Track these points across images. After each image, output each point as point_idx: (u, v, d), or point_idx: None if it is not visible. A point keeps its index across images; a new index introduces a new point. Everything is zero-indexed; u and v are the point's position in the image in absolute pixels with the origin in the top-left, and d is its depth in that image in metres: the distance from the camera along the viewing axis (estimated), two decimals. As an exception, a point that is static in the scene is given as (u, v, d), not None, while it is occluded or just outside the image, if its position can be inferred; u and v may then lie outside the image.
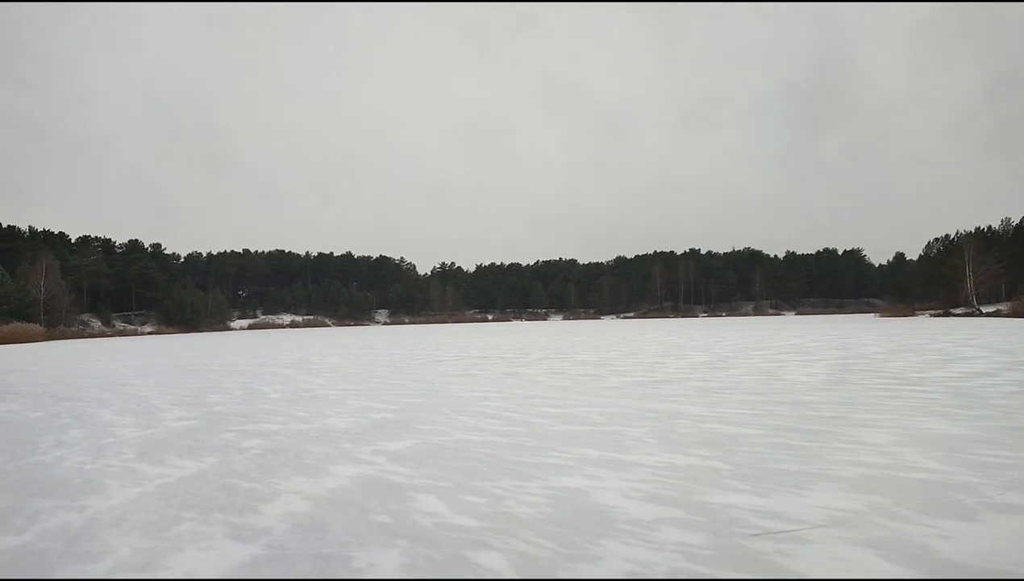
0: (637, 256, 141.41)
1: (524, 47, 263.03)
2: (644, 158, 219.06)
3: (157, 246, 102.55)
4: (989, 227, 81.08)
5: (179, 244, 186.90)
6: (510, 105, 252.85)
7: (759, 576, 2.73)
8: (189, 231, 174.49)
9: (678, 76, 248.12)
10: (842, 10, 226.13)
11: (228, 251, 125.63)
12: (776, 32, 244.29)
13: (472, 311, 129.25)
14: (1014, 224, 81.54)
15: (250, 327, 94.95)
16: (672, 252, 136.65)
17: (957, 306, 63.44)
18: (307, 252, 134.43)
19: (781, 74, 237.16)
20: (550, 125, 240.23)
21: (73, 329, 64.97)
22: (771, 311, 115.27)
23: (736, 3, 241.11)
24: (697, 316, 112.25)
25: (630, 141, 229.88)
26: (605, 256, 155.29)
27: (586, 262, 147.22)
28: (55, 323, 61.16)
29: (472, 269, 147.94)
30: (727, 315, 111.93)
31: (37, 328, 53.64)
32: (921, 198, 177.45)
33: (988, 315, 52.96)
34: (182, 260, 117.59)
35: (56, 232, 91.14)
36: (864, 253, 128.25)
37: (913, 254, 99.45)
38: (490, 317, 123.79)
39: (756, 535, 3.20)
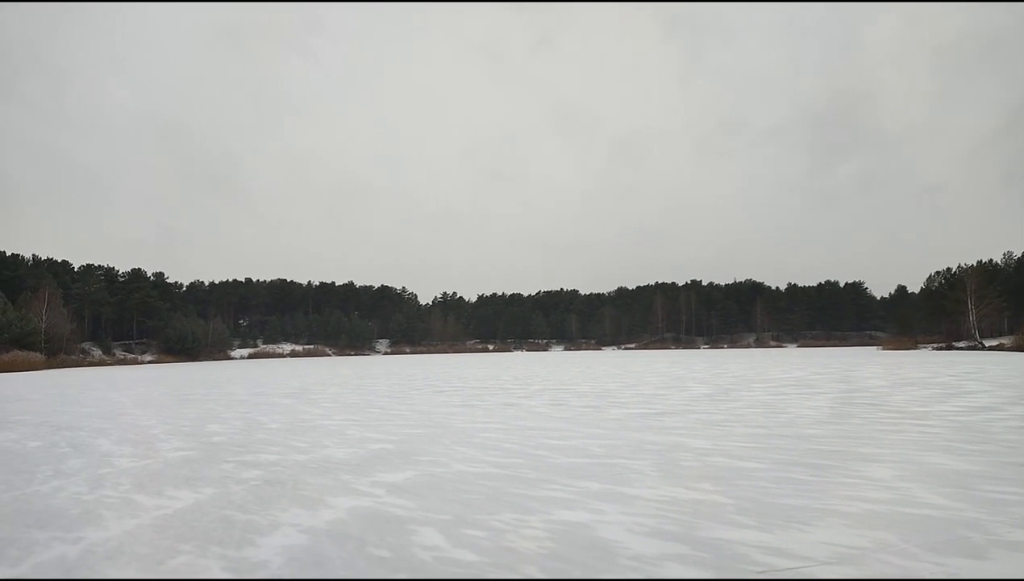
0: (639, 287, 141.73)
1: (538, 70, 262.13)
2: (655, 187, 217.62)
3: (160, 275, 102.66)
4: (991, 260, 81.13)
5: (182, 272, 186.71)
6: (521, 129, 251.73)
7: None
8: (193, 259, 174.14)
9: (694, 102, 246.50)
10: (862, 34, 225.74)
11: (230, 280, 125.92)
12: (794, 57, 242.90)
13: (473, 341, 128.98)
14: (1016, 257, 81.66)
15: (250, 356, 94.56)
16: (673, 283, 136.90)
17: (959, 339, 63.27)
18: (309, 281, 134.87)
19: (798, 100, 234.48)
20: (561, 151, 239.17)
21: (74, 358, 64.86)
22: (773, 343, 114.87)
23: (753, 26, 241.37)
24: (698, 347, 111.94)
25: (642, 169, 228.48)
26: (607, 287, 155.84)
27: (587, 293, 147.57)
28: (56, 352, 61.07)
29: (474, 299, 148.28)
30: (728, 347, 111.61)
31: (38, 356, 53.63)
32: (933, 229, 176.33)
33: (991, 349, 52.81)
34: (184, 289, 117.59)
35: (59, 260, 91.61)
36: (866, 286, 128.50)
37: (915, 287, 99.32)
38: (491, 347, 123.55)
39: (761, 573, 3.16)
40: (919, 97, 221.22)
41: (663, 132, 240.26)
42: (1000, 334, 65.35)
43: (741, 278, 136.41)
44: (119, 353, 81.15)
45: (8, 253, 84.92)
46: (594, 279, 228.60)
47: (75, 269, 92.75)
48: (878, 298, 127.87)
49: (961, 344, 60.41)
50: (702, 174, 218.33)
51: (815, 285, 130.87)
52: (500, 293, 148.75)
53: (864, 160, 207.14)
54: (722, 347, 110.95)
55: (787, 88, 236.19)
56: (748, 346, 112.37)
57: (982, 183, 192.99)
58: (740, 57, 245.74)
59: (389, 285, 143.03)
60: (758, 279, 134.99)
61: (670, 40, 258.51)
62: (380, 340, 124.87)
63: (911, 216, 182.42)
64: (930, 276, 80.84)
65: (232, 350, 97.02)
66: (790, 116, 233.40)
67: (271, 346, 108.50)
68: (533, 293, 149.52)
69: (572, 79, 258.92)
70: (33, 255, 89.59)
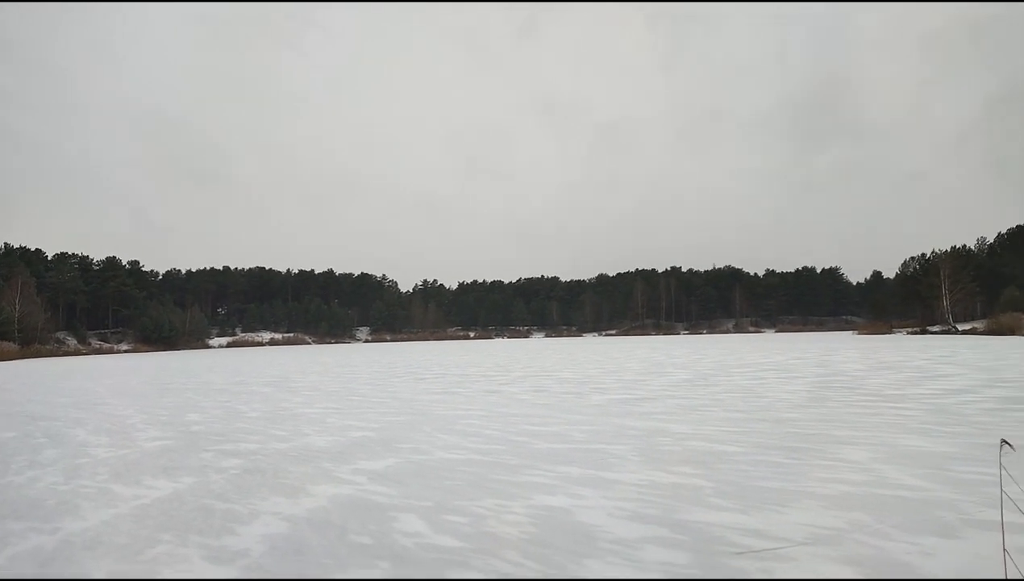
0: (619, 274, 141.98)
1: (522, 58, 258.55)
2: (638, 174, 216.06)
3: (135, 263, 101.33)
4: (964, 246, 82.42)
5: (159, 260, 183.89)
6: (505, 118, 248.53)
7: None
8: (171, 248, 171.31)
9: (678, 90, 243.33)
10: (849, 22, 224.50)
11: (208, 268, 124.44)
12: (780, 44, 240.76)
13: (454, 328, 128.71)
14: (988, 243, 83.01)
15: (229, 345, 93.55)
16: (654, 270, 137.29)
17: (933, 324, 64.20)
18: (288, 269, 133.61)
19: (783, 87, 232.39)
20: (545, 139, 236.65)
21: (48, 347, 63.87)
22: (751, 328, 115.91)
23: (740, 14, 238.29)
24: (678, 333, 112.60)
25: (626, 157, 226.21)
26: (588, 273, 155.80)
27: (568, 279, 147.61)
28: (30, 341, 60.07)
29: (454, 286, 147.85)
30: (708, 332, 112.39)
31: (11, 346, 52.79)
32: (916, 216, 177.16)
33: (964, 333, 53.67)
34: (160, 277, 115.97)
35: (33, 249, 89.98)
36: (842, 271, 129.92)
37: (890, 272, 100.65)
38: (472, 334, 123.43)
39: (739, 553, 3.19)
40: (904, 85, 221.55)
41: (647, 120, 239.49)
42: (973, 318, 66.46)
43: (720, 265, 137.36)
44: (95, 342, 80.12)
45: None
46: (575, 266, 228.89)
47: (48, 258, 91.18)
48: (854, 283, 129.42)
49: (935, 328, 61.30)
50: (685, 162, 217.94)
51: (792, 271, 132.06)
52: (481, 280, 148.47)
53: (847, 148, 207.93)
54: (701, 333, 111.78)
55: (772, 76, 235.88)
56: (727, 331, 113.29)
57: (964, 170, 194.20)
58: (725, 45, 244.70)
59: (369, 272, 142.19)
60: (737, 265, 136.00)
61: (655, 27, 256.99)
62: (360, 328, 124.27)
63: (893, 203, 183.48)
64: (905, 261, 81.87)
65: (210, 339, 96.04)
66: (775, 104, 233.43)
67: (250, 335, 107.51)
68: (514, 280, 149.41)
69: (556, 67, 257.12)
70: (5, 244, 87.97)
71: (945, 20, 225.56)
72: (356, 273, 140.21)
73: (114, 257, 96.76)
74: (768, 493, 4.34)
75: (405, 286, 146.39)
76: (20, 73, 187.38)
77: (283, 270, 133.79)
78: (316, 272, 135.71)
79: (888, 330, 66.66)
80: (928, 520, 3.66)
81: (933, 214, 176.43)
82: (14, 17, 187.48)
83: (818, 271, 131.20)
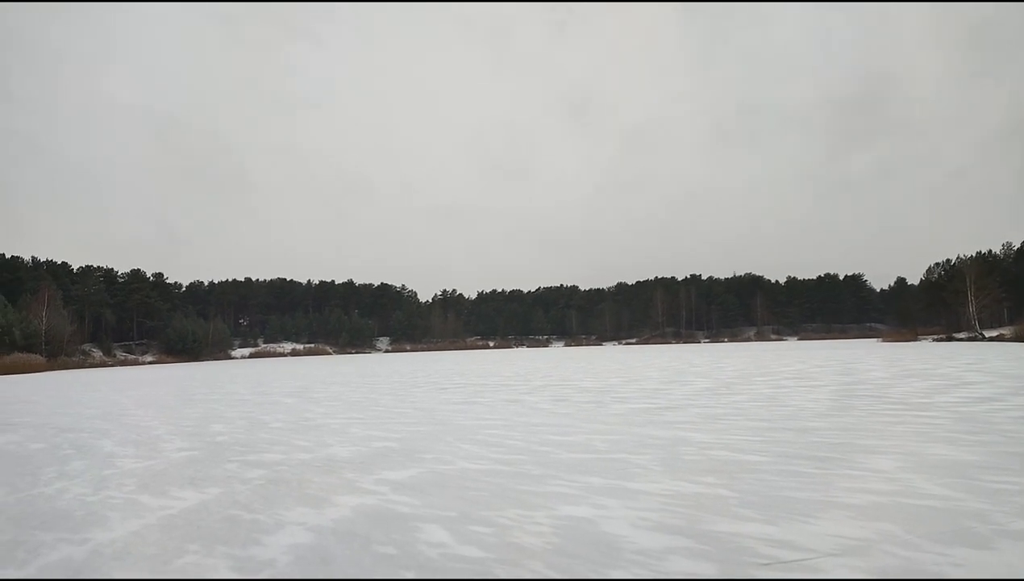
0: (638, 282, 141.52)
1: (549, 57, 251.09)
2: (664, 179, 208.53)
3: (159, 275, 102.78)
4: (990, 251, 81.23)
5: (181, 271, 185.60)
6: (529, 120, 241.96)
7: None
8: (192, 258, 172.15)
9: (713, 87, 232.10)
10: (893, 11, 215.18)
11: (230, 280, 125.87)
12: (823, 36, 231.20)
13: (473, 338, 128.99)
14: (1015, 248, 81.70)
15: (251, 356, 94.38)
16: (673, 278, 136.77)
17: (960, 330, 63.24)
18: (309, 280, 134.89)
19: (823, 83, 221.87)
20: (569, 142, 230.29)
21: (74, 359, 64.78)
22: (773, 336, 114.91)
23: (776, 7, 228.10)
24: (699, 342, 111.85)
25: (653, 160, 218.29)
26: (606, 282, 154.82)
27: (587, 288, 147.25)
28: (56, 354, 60.99)
29: (473, 296, 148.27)
30: (729, 341, 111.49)
31: (39, 359, 53.60)
32: (949, 218, 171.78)
33: (991, 339, 52.79)
34: (184, 289, 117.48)
35: (59, 262, 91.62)
36: (865, 278, 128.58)
37: (914, 279, 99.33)
38: (491, 344, 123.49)
39: (766, 564, 3.17)
40: (950, 79, 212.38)
41: (677, 121, 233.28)
42: (1000, 325, 65.40)
43: (741, 272, 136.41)
44: (120, 354, 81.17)
45: (8, 255, 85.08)
46: (594, 274, 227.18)
47: (74, 270, 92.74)
48: (878, 290, 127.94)
49: (961, 335, 60.36)
50: (713, 166, 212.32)
51: (815, 278, 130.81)
52: (500, 290, 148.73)
53: (886, 145, 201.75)
54: (722, 341, 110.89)
55: (812, 70, 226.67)
56: (748, 340, 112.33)
57: (1004, 171, 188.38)
58: (764, 38, 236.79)
59: (389, 283, 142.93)
60: (758, 273, 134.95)
61: (691, 23, 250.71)
62: (380, 338, 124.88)
63: (926, 206, 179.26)
64: (929, 267, 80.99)
65: (233, 350, 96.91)
66: (813, 100, 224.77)
67: (272, 345, 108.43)
68: (533, 289, 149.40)
69: (584, 65, 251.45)
70: (32, 257, 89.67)
71: (995, 9, 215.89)
72: (376, 283, 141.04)
73: (138, 270, 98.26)
74: (794, 503, 4.30)
75: (424, 296, 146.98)
76: (34, 78, 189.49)
77: (303, 281, 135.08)
78: (336, 283, 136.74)
79: (913, 337, 65.74)
80: (959, 530, 3.60)
81: (966, 216, 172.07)
82: (21, 17, 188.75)
83: (841, 278, 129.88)
